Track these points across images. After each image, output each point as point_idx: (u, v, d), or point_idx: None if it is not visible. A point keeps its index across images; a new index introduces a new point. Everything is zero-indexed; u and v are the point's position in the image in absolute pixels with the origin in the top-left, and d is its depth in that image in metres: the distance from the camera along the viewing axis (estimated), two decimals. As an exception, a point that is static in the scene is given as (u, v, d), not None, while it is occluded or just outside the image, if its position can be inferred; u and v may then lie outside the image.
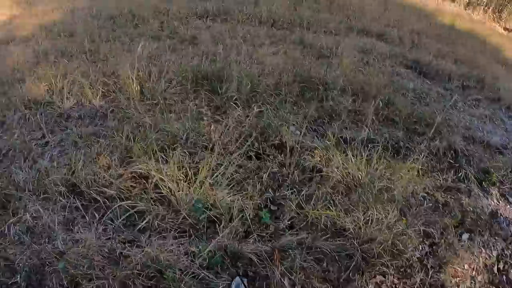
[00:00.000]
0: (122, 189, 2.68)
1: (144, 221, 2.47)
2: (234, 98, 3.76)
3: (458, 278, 2.78)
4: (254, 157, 3.10)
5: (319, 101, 4.04)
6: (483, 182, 3.79)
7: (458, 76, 6.52)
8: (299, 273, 2.29)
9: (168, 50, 5.08)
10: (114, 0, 8.13)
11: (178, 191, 2.60)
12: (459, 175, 3.74)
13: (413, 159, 3.27)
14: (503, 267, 3.09)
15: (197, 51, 5.03)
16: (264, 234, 2.53)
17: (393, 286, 2.50)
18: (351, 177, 3.01)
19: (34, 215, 2.64)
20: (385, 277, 2.49)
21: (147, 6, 7.35)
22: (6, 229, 2.53)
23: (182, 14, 6.96)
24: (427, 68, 6.33)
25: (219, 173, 2.77)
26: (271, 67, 4.40)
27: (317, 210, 2.66)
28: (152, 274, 2.13)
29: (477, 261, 2.98)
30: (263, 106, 3.66)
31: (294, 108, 3.84)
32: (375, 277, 2.48)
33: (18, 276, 2.20)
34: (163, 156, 2.86)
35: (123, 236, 2.45)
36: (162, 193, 2.64)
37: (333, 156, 3.08)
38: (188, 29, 6.11)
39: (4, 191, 2.86)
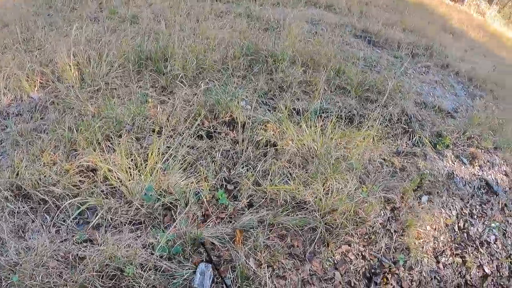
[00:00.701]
0: (70, 186, 2.57)
1: (97, 217, 2.39)
2: (180, 77, 3.66)
3: (421, 240, 2.90)
4: (205, 136, 3.05)
5: (269, 74, 4.03)
6: (437, 145, 3.95)
7: (407, 44, 6.70)
8: (264, 252, 2.27)
9: (107, 32, 4.85)
10: None
11: (129, 180, 2.51)
12: (414, 139, 3.87)
13: (368, 127, 3.33)
14: (463, 225, 3.27)
15: (138, 30, 4.87)
16: (223, 216, 2.48)
17: (359, 253, 2.56)
18: (307, 149, 3.00)
19: None
20: (350, 246, 2.55)
21: None
22: None
23: None
24: (376, 37, 6.47)
25: (170, 157, 2.71)
26: (217, 41, 4.29)
27: (275, 185, 2.65)
28: (112, 273, 2.04)
29: (438, 221, 3.13)
30: (211, 82, 3.60)
31: (243, 82, 3.78)
32: (340, 247, 2.52)
33: None
34: (110, 145, 2.81)
35: (76, 237, 2.34)
36: (113, 184, 2.56)
37: (286, 128, 3.07)
38: (129, 8, 5.83)
39: None
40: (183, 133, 2.99)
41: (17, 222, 2.48)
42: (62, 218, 2.45)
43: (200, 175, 2.65)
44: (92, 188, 2.56)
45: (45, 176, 2.65)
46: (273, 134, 3.07)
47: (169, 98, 3.46)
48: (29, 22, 5.56)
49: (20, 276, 2.01)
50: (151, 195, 2.43)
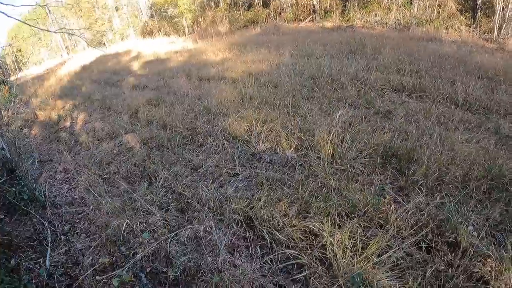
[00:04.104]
0: (291, 238, 3.10)
1: (301, 274, 2.84)
2: (419, 184, 3.71)
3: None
4: (424, 248, 3.01)
5: (506, 204, 3.50)
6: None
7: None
8: None
9: (363, 120, 5.22)
10: (315, 62, 8.73)
11: (342, 258, 2.79)
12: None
13: None
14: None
15: (390, 126, 5.06)
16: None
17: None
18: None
19: (207, 229, 3.38)
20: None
21: (347, 72, 7.55)
22: (183, 232, 3.36)
23: (378, 86, 6.84)
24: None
25: (386, 255, 2.82)
26: (462, 156, 4.08)
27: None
28: None
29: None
30: (446, 197, 3.50)
31: (478, 206, 3.50)
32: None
33: (174, 269, 2.96)
34: (338, 221, 3.16)
35: (276, 279, 2.86)
36: (326, 255, 2.91)
37: (505, 269, 2.70)
38: (384, 101, 6.08)
39: (187, 200, 3.88)
40: (405, 238, 3.06)
41: (234, 241, 3.28)
42: (271, 258, 3.04)
43: (406, 284, 2.68)
44: (308, 250, 3.01)
45: (274, 220, 3.29)
46: (490, 271, 2.76)
47: (403, 200, 3.58)
48: (295, 91, 6.65)
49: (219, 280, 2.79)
50: (357, 280, 2.58)
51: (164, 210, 3.89)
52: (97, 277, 3.14)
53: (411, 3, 15.83)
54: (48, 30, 10.33)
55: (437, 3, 15.01)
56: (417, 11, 15.50)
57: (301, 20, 18.89)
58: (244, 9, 22.08)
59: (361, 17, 16.37)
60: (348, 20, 16.79)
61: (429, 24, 14.17)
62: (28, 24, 6.21)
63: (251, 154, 4.75)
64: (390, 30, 14.37)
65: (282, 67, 8.83)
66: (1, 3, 4.33)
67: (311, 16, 18.73)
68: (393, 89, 6.75)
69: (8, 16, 4.77)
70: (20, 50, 38.04)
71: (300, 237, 3.11)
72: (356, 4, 17.15)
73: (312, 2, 18.81)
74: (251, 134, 5.10)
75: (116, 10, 30.89)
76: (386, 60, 8.46)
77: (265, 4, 21.30)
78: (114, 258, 3.39)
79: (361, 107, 5.97)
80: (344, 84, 7.02)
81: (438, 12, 14.91)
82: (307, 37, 12.88)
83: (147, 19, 28.99)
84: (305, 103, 6.12)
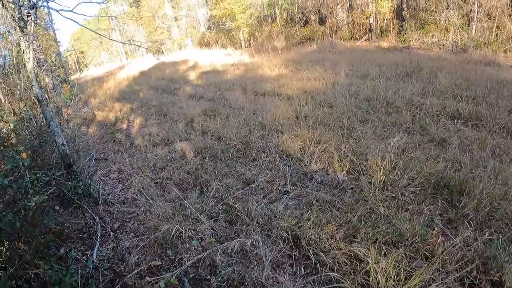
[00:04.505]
0: (336, 261, 3.14)
1: None
2: (469, 218, 3.62)
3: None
4: (467, 285, 2.94)
5: None
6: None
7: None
8: None
9: (416, 148, 5.18)
10: (370, 83, 8.75)
11: (385, 287, 2.81)
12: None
13: None
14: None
15: (444, 155, 4.94)
16: None
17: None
18: None
19: (254, 243, 3.48)
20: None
21: (402, 96, 7.52)
22: (231, 243, 3.47)
23: (434, 112, 6.72)
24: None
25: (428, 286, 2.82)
26: None
27: None
28: None
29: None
30: (495, 234, 3.39)
31: None
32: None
33: (217, 278, 3.08)
34: (385, 250, 3.16)
35: None
36: (369, 281, 2.90)
37: None
38: (439, 129, 5.91)
39: (237, 213, 4.03)
40: (449, 273, 3.01)
41: (278, 257, 3.38)
42: (314, 279, 3.05)
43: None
44: (351, 274, 3.02)
45: (320, 241, 3.37)
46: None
47: (451, 233, 3.53)
48: (350, 112, 6.74)
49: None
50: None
51: (213, 219, 4.02)
52: (147, 278, 3.29)
53: (469, 24, 15.30)
54: (118, 41, 11.02)
55: (495, 25, 14.41)
56: (475, 32, 14.90)
57: (357, 39, 18.92)
58: (300, 26, 22.38)
59: (417, 37, 16.04)
60: (404, 40, 16.54)
61: (487, 47, 13.54)
62: (99, 35, 6.58)
63: (302, 173, 4.85)
64: (447, 52, 13.90)
65: (338, 86, 8.92)
66: (74, 12, 4.74)
67: (367, 35, 18.72)
68: (448, 116, 6.54)
69: (80, 25, 5.23)
70: (82, 52, 40.46)
71: (345, 261, 3.15)
72: (413, 24, 16.87)
73: (369, 21, 18.77)
74: (304, 153, 5.20)
75: (175, 20, 32.11)
76: (443, 84, 8.23)
77: (322, 21, 21.45)
78: (160, 261, 3.56)
79: (416, 133, 5.85)
80: (399, 108, 6.94)
81: (497, 34, 14.27)
82: (362, 56, 12.93)
83: (205, 30, 29.89)
84: (360, 125, 6.16)
